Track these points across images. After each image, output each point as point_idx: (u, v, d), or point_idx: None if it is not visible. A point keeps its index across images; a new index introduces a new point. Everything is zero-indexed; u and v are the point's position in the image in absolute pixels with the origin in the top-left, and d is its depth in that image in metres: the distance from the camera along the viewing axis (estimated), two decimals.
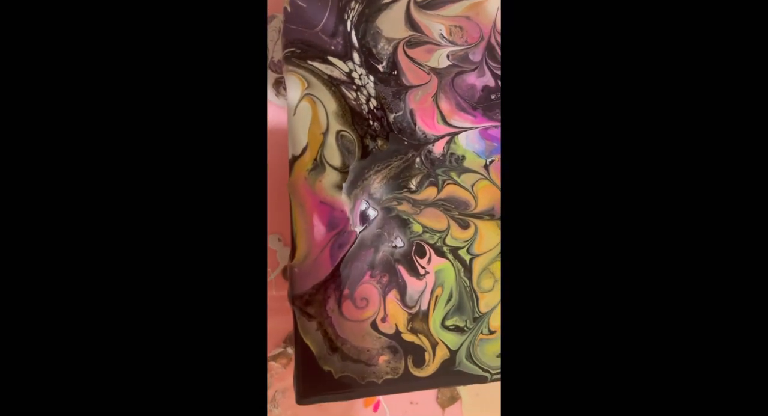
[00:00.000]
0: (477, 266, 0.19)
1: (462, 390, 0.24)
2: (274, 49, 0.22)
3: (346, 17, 0.18)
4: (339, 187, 0.18)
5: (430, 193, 0.19)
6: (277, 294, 0.23)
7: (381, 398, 0.23)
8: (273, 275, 0.22)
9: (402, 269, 0.18)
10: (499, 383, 0.21)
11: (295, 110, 0.18)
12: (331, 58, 0.18)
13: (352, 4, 0.18)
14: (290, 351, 0.22)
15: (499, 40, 0.19)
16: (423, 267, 0.18)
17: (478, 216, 0.19)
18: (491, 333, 0.19)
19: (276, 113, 0.22)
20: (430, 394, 0.24)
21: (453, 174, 0.19)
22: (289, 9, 0.18)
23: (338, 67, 0.18)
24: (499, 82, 0.19)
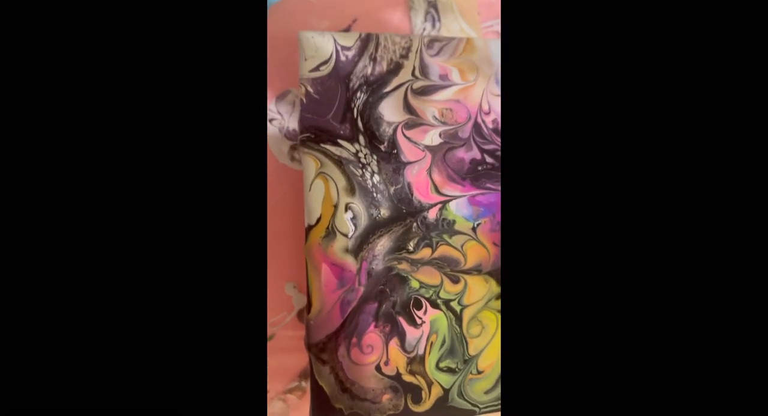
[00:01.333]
0: (466, 315, 0.22)
1: None
2: (289, 121, 0.25)
3: (352, 106, 0.21)
4: (348, 251, 0.21)
5: (425, 253, 0.22)
6: (292, 334, 0.26)
7: None
8: (289, 318, 0.25)
9: (402, 320, 0.21)
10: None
11: (311, 186, 0.21)
12: (340, 141, 0.21)
13: (358, 94, 0.21)
14: (304, 384, 0.25)
15: (485, 119, 0.22)
16: (420, 317, 0.21)
17: (468, 272, 0.22)
18: (479, 372, 0.22)
19: (288, 176, 0.25)
20: None
21: (445, 236, 0.22)
22: (304, 100, 0.21)
23: (345, 148, 0.21)
24: (485, 156, 0.22)
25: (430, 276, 0.21)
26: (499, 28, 0.28)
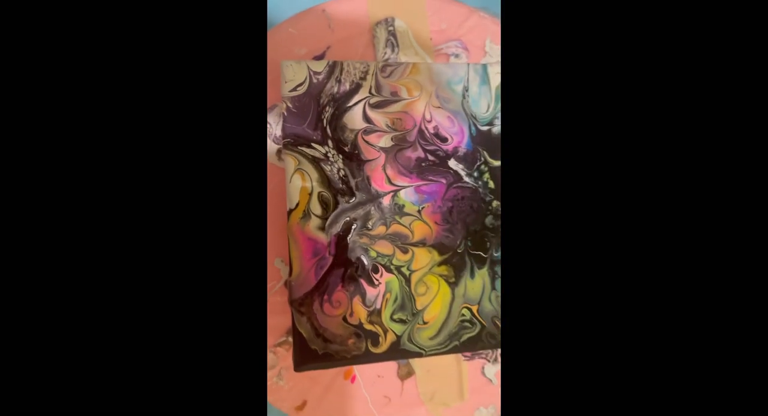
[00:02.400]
0: (414, 278, 0.28)
1: (416, 367, 0.33)
2: (276, 129, 0.31)
3: (322, 117, 0.27)
4: (321, 228, 0.27)
5: (381, 230, 0.28)
6: (280, 299, 0.32)
7: (356, 372, 0.32)
8: (277, 286, 0.31)
9: (363, 282, 0.27)
10: (441, 358, 0.30)
11: (291, 178, 0.27)
12: (314, 144, 0.27)
13: (327, 108, 0.27)
14: (290, 339, 0.31)
15: (427, 126, 0.28)
16: (377, 280, 0.28)
17: (414, 245, 0.28)
18: (425, 323, 0.28)
19: (276, 172, 0.31)
20: (392, 369, 0.33)
21: (396, 217, 0.28)
22: (285, 113, 0.27)
23: (317, 150, 0.27)
24: (427, 155, 0.28)
25: (384, 248, 0.28)
26: (449, 50, 0.34)
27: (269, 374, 0.31)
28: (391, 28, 0.33)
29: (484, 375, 0.34)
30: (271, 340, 0.31)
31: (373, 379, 0.33)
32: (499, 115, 0.30)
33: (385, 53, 0.33)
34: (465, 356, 0.33)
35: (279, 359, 0.32)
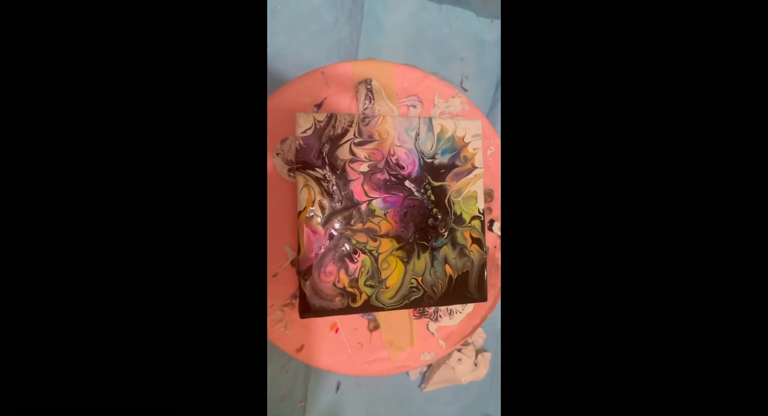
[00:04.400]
0: (380, 258, 0.42)
1: (381, 322, 0.47)
2: (287, 153, 0.45)
3: (322, 151, 0.41)
4: (319, 224, 0.41)
5: (359, 226, 0.42)
6: (288, 274, 0.45)
7: (339, 325, 0.46)
8: (285, 264, 0.45)
9: (347, 259, 0.41)
10: (398, 315, 0.44)
11: (300, 190, 0.40)
12: (317, 168, 0.41)
13: (325, 145, 0.41)
14: (294, 301, 0.45)
15: (391, 158, 0.43)
16: (356, 259, 0.41)
17: (382, 236, 0.42)
18: (387, 288, 0.42)
19: (289, 185, 0.44)
20: (364, 324, 0.47)
21: (370, 217, 0.42)
22: (298, 147, 0.41)
23: (318, 172, 0.41)
24: (391, 177, 0.43)
25: (361, 238, 0.42)
26: (409, 102, 0.49)
27: (278, 326, 0.44)
28: (369, 86, 0.47)
29: (428, 329, 0.49)
30: (279, 302, 0.45)
31: (350, 331, 0.47)
32: (440, 151, 0.44)
33: (365, 103, 0.47)
34: (414, 315, 0.48)
35: (285, 315, 0.45)
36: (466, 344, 0.55)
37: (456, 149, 0.45)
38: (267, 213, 0.42)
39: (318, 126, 0.41)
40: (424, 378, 0.56)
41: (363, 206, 0.42)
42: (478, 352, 0.55)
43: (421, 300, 0.43)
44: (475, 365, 0.54)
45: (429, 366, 0.55)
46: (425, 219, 0.43)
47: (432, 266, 0.43)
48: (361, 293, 0.41)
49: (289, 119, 0.44)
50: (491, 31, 0.61)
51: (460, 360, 0.53)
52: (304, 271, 0.41)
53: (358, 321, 0.46)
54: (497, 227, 0.50)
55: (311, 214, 0.41)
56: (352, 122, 0.42)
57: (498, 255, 0.50)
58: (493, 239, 0.50)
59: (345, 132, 0.42)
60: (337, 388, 0.54)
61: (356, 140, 0.42)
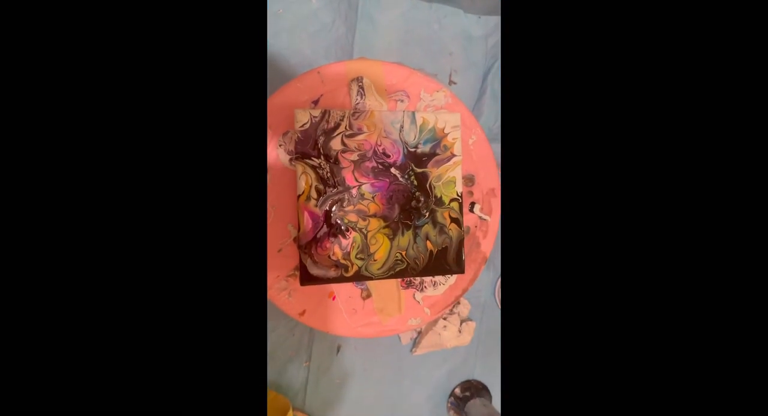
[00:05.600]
0: (369, 235, 0.48)
1: (372, 290, 0.54)
2: (289, 145, 0.51)
3: (318, 143, 0.47)
4: (316, 206, 0.47)
5: (350, 208, 0.48)
6: (291, 249, 0.52)
7: (335, 293, 0.53)
8: (288, 240, 0.52)
9: (340, 236, 0.48)
10: (387, 284, 0.51)
11: (299, 176, 0.47)
12: (313, 157, 0.47)
13: (321, 137, 0.47)
14: (296, 272, 0.52)
15: (378, 148, 0.49)
16: (348, 235, 0.48)
17: (370, 216, 0.49)
18: (375, 260, 0.49)
19: (290, 172, 0.51)
20: (357, 293, 0.54)
21: (360, 200, 0.48)
22: (297, 139, 0.47)
23: (315, 161, 0.47)
24: (378, 164, 0.49)
25: (353, 217, 0.48)
26: (397, 97, 0.54)
27: (283, 293, 0.52)
28: (360, 83, 0.53)
29: (414, 298, 0.55)
30: (284, 273, 0.52)
31: (345, 298, 0.54)
32: (422, 141, 0.50)
33: (357, 99, 0.53)
34: (402, 286, 0.55)
35: (289, 284, 0.53)
36: (451, 313, 0.61)
37: (437, 139, 0.50)
38: (273, 197, 0.49)
39: (314, 121, 0.47)
40: (415, 343, 0.63)
41: (354, 191, 0.48)
42: (462, 321, 0.62)
43: (406, 271, 0.50)
44: (459, 332, 0.61)
45: (419, 332, 0.62)
46: (409, 201, 0.49)
47: (414, 242, 0.49)
48: (352, 264, 0.48)
49: (290, 115, 0.50)
50: (478, 26, 0.65)
51: (445, 326, 0.59)
52: (303, 246, 0.47)
53: (352, 289, 0.53)
54: (478, 208, 0.56)
55: (309, 197, 0.47)
56: (343, 116, 0.48)
57: (479, 234, 0.56)
58: (474, 219, 0.56)
59: (337, 126, 0.48)
60: (338, 351, 0.61)
61: (347, 133, 0.48)
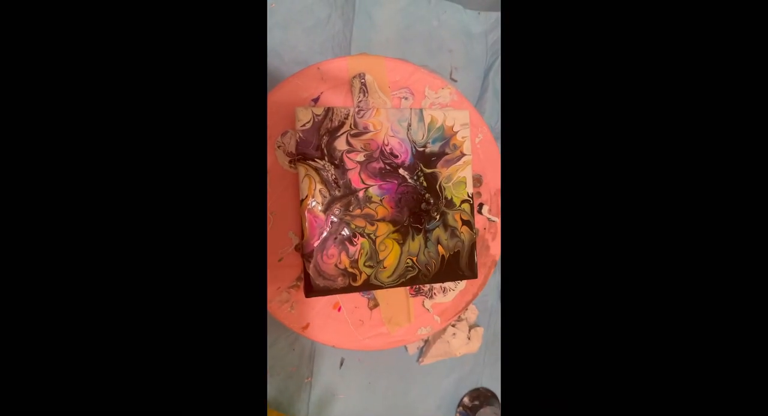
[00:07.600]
0: (378, 241, 0.45)
1: (379, 300, 0.51)
2: (288, 146, 0.48)
3: (321, 143, 0.44)
4: (322, 211, 0.44)
5: (357, 212, 0.45)
6: (292, 259, 0.48)
7: (341, 303, 0.49)
8: (290, 249, 0.48)
9: (347, 242, 0.45)
10: (395, 293, 0.48)
11: (302, 180, 0.44)
12: (316, 159, 0.44)
13: (324, 137, 0.44)
14: (299, 283, 0.48)
15: (385, 148, 0.46)
16: (355, 242, 0.45)
17: (379, 220, 0.46)
18: (384, 267, 0.46)
19: (291, 176, 0.47)
20: (364, 303, 0.51)
21: (367, 203, 0.45)
22: (298, 140, 0.44)
23: (318, 163, 0.44)
24: (386, 166, 0.46)
25: (360, 222, 0.45)
26: (400, 95, 0.52)
27: (284, 306, 0.48)
28: (363, 80, 0.50)
29: (424, 306, 0.53)
30: (285, 284, 0.48)
31: (352, 309, 0.50)
32: (430, 140, 0.48)
33: (359, 97, 0.50)
34: (411, 293, 0.52)
35: (291, 295, 0.49)
36: (459, 319, 0.59)
37: (446, 137, 0.48)
38: (271, 202, 0.45)
39: (316, 119, 0.44)
40: (422, 352, 0.60)
41: (360, 193, 0.45)
42: (471, 327, 0.60)
43: (417, 278, 0.47)
44: (469, 338, 0.58)
45: (426, 341, 0.60)
46: (418, 204, 0.47)
47: (426, 247, 0.47)
48: (361, 273, 0.45)
49: (288, 114, 0.47)
50: (478, 23, 0.63)
51: (454, 334, 0.57)
52: (308, 254, 0.44)
53: (358, 299, 0.50)
54: (486, 210, 0.54)
55: (312, 201, 0.44)
56: (348, 114, 0.45)
57: (487, 236, 0.54)
58: (482, 221, 0.54)
59: (341, 124, 0.45)
60: (341, 364, 0.58)
61: (352, 132, 0.45)
